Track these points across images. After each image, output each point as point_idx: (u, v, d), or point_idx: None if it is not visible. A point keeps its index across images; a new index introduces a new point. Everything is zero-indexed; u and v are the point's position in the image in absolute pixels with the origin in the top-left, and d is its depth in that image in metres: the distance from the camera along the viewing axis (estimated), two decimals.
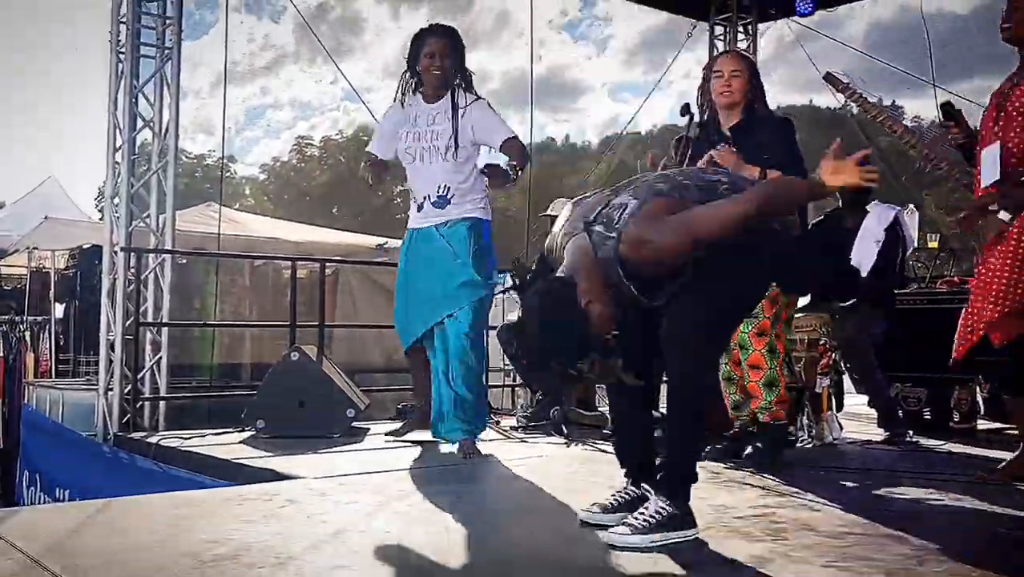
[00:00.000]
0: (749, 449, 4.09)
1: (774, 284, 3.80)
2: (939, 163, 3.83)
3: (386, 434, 4.93)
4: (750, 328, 3.97)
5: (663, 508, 2.54)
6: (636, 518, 2.54)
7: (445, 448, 4.50)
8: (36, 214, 12.18)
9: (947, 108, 3.64)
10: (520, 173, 4.25)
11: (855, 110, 5.00)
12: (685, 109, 4.59)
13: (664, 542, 2.49)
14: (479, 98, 4.40)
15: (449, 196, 4.33)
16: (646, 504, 2.59)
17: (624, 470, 2.88)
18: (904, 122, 3.99)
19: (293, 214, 29.79)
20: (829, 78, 4.04)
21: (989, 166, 3.33)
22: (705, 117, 4.13)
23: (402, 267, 4.55)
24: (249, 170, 53.46)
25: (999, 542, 2.76)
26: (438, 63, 4.34)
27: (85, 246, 9.06)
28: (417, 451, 4.55)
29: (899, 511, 3.12)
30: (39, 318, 9.49)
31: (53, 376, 8.74)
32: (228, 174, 41.35)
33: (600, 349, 2.39)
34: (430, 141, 4.35)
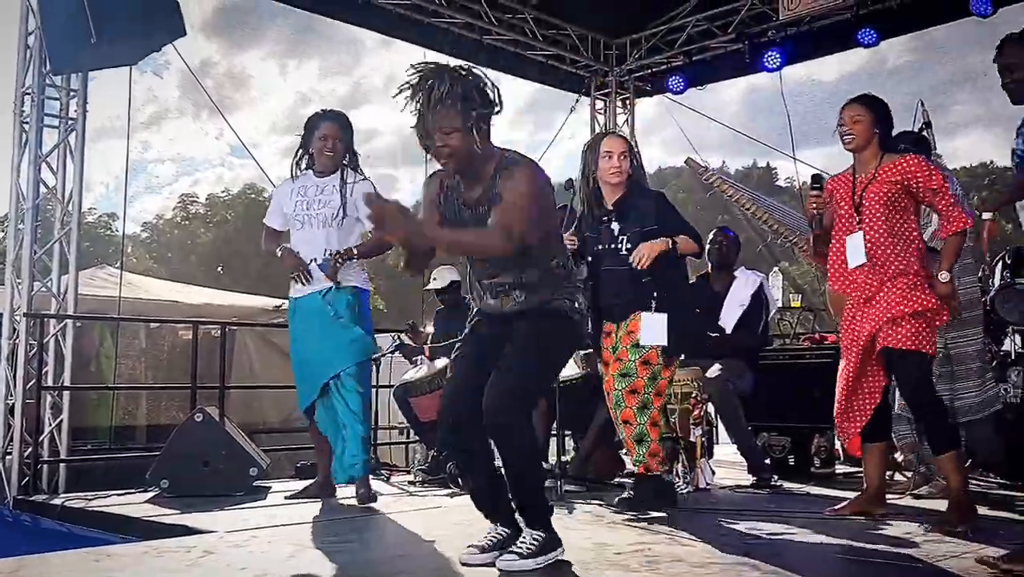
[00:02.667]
0: (625, 493, 4.43)
1: (649, 346, 4.26)
2: (788, 235, 4.38)
3: (286, 497, 5.16)
4: (624, 386, 4.31)
5: (538, 536, 3.03)
6: (519, 546, 3.01)
7: (343, 500, 4.79)
8: None
9: (816, 179, 4.17)
10: (365, 256, 4.79)
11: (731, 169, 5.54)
12: (569, 184, 5.06)
13: (547, 561, 2.99)
14: (366, 178, 4.85)
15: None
16: (522, 536, 3.06)
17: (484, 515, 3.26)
18: (756, 198, 4.50)
19: (177, 273, 29.28)
20: (690, 163, 4.56)
21: (854, 251, 3.94)
22: (590, 191, 4.52)
23: (293, 335, 4.94)
24: (130, 227, 52.06)
25: (836, 565, 3.22)
26: (331, 145, 4.80)
27: None
28: (317, 506, 4.80)
29: (758, 543, 3.53)
30: None
31: None
32: (109, 232, 40.26)
33: None
34: (318, 209, 4.78)
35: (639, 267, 4.19)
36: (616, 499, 4.39)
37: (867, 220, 3.96)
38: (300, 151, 4.91)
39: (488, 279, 3.18)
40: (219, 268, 42.85)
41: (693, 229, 4.42)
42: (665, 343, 4.24)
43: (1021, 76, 3.92)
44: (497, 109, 3.04)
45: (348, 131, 4.88)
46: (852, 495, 4.56)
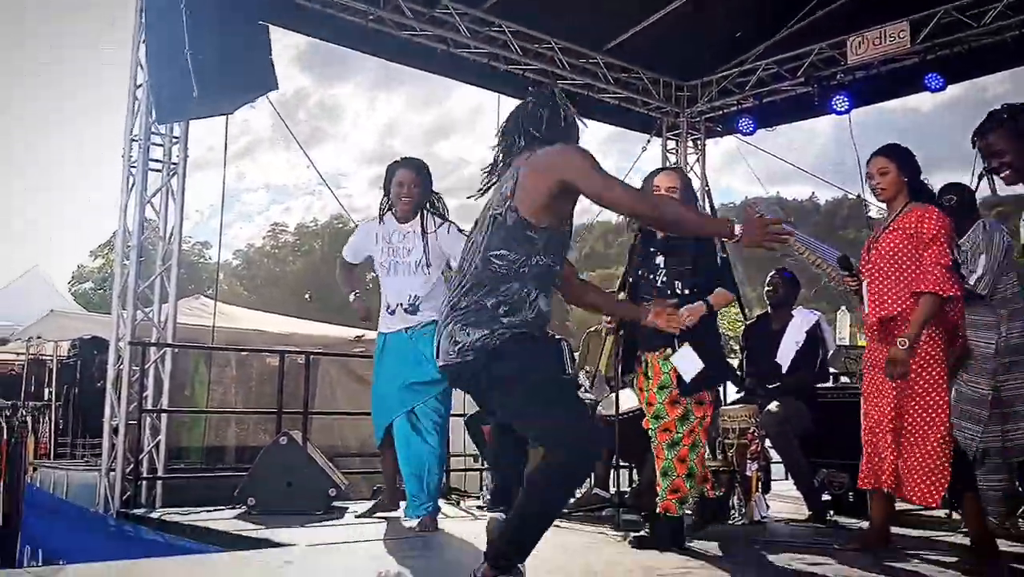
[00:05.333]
0: (642, 532, 4.49)
1: (674, 388, 4.39)
2: (851, 283, 4.55)
3: (356, 515, 5.51)
4: (657, 426, 4.45)
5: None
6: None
7: (409, 523, 5.02)
8: (25, 303, 12.82)
9: (844, 262, 4.37)
10: None
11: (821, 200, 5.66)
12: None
13: None
14: (446, 221, 5.15)
15: (418, 304, 5.07)
16: None
17: None
18: (815, 248, 4.64)
19: (266, 301, 30.23)
20: (749, 209, 4.78)
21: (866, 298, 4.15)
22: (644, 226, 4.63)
23: (377, 367, 5.25)
24: (223, 255, 53.99)
25: None
26: (407, 191, 5.08)
27: (86, 337, 9.64)
28: (389, 525, 5.14)
29: (797, 571, 3.76)
30: (38, 404, 10.05)
31: (52, 458, 9.24)
32: (203, 260, 41.81)
33: None
34: (402, 257, 5.10)
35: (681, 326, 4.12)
36: (631, 536, 4.46)
37: (872, 267, 4.15)
38: (384, 198, 5.23)
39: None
40: (306, 296, 44.02)
41: (730, 277, 4.53)
42: (702, 365, 4.31)
43: (1011, 160, 3.50)
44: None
45: (425, 177, 5.14)
46: (906, 531, 4.76)
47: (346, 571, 3.60)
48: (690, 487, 4.39)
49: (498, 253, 2.91)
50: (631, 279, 4.62)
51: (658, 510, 4.41)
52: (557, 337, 5.73)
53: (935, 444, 3.91)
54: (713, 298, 4.42)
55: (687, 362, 4.26)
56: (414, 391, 5.00)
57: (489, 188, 3.12)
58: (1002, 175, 3.51)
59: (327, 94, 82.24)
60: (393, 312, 5.13)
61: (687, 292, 4.38)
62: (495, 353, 2.86)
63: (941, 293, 3.87)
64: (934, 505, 4.13)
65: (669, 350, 4.34)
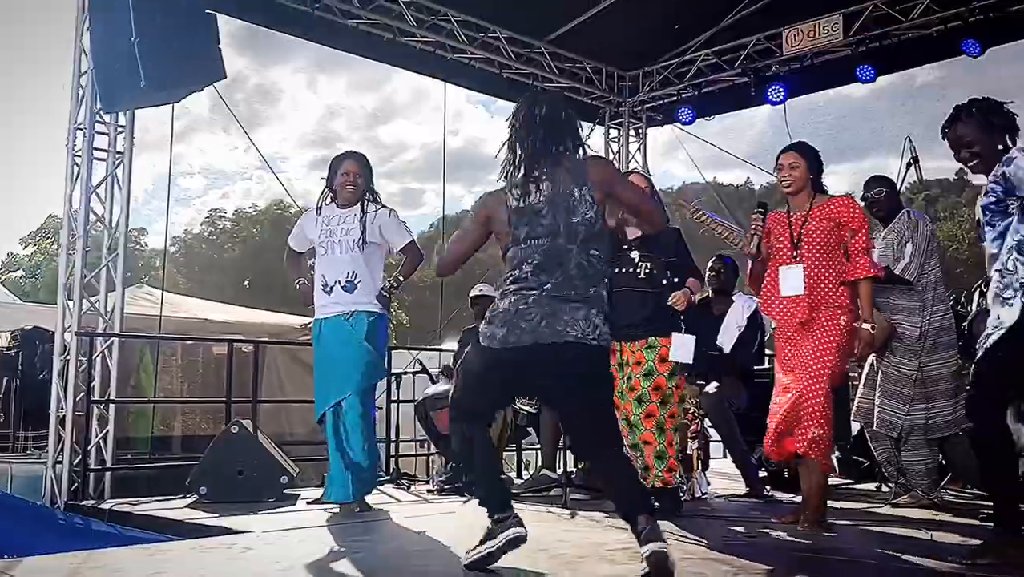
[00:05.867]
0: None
1: (657, 373, 4.76)
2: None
3: (308, 502, 5.59)
4: (641, 411, 4.79)
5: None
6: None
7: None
8: None
9: (762, 205, 4.57)
10: (407, 277, 5.37)
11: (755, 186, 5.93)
12: None
13: None
14: (384, 207, 5.32)
15: (356, 281, 5.19)
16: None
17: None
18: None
19: (205, 288, 29.85)
20: (681, 201, 5.03)
21: (791, 281, 4.34)
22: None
23: (317, 353, 5.36)
24: (159, 241, 52.93)
25: (795, 560, 3.65)
26: (352, 180, 5.27)
27: (27, 328, 9.51)
28: (340, 510, 5.21)
29: (732, 543, 3.95)
30: None
31: None
32: (139, 247, 41.02)
33: None
34: (340, 236, 5.23)
35: (679, 307, 4.77)
36: None
37: (806, 255, 4.35)
38: (325, 189, 5.37)
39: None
40: (245, 282, 43.50)
41: (697, 268, 5.09)
42: (691, 361, 4.79)
43: (980, 151, 3.54)
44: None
45: (368, 169, 5.35)
46: (841, 505, 5.00)
47: (307, 555, 3.68)
48: (679, 460, 4.99)
49: (596, 255, 3.26)
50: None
51: (657, 485, 4.76)
52: None
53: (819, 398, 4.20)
54: (691, 284, 4.88)
55: (682, 349, 4.69)
56: (349, 377, 5.12)
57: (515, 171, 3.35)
58: (970, 164, 3.62)
59: (265, 76, 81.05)
60: (330, 290, 5.21)
61: (676, 280, 4.80)
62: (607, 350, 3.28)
63: (877, 274, 4.34)
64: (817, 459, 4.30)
65: (652, 339, 4.80)
